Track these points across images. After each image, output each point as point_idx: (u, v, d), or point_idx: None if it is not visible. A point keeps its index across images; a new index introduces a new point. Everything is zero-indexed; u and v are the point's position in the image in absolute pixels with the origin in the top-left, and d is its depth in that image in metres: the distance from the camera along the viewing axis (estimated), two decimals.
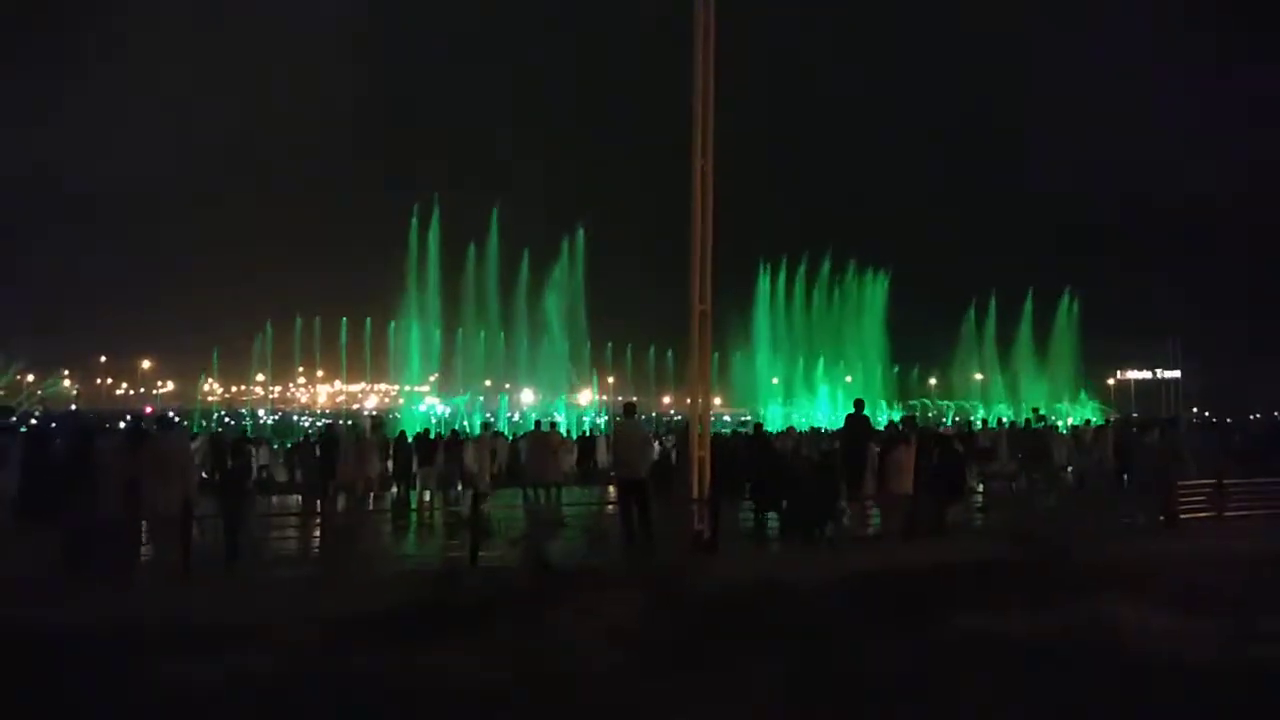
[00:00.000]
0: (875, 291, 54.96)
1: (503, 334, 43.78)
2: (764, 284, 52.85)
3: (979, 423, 35.01)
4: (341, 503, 17.17)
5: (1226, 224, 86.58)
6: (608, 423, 38.83)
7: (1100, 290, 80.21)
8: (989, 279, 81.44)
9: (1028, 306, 57.97)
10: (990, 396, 57.19)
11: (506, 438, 25.00)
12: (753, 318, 52.97)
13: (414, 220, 40.43)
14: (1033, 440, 20.93)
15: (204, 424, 41.15)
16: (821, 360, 53.92)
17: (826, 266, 53.87)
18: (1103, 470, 19.24)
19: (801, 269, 53.35)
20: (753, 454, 15.09)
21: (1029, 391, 55.16)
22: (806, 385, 53.54)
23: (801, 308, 53.90)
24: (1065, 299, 57.82)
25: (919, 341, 61.57)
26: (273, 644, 7.11)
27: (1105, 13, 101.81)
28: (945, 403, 57.64)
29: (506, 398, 46.59)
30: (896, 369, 56.97)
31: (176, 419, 24.57)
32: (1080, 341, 58.79)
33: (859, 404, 17.22)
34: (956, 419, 45.08)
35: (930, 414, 50.11)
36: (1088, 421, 32.10)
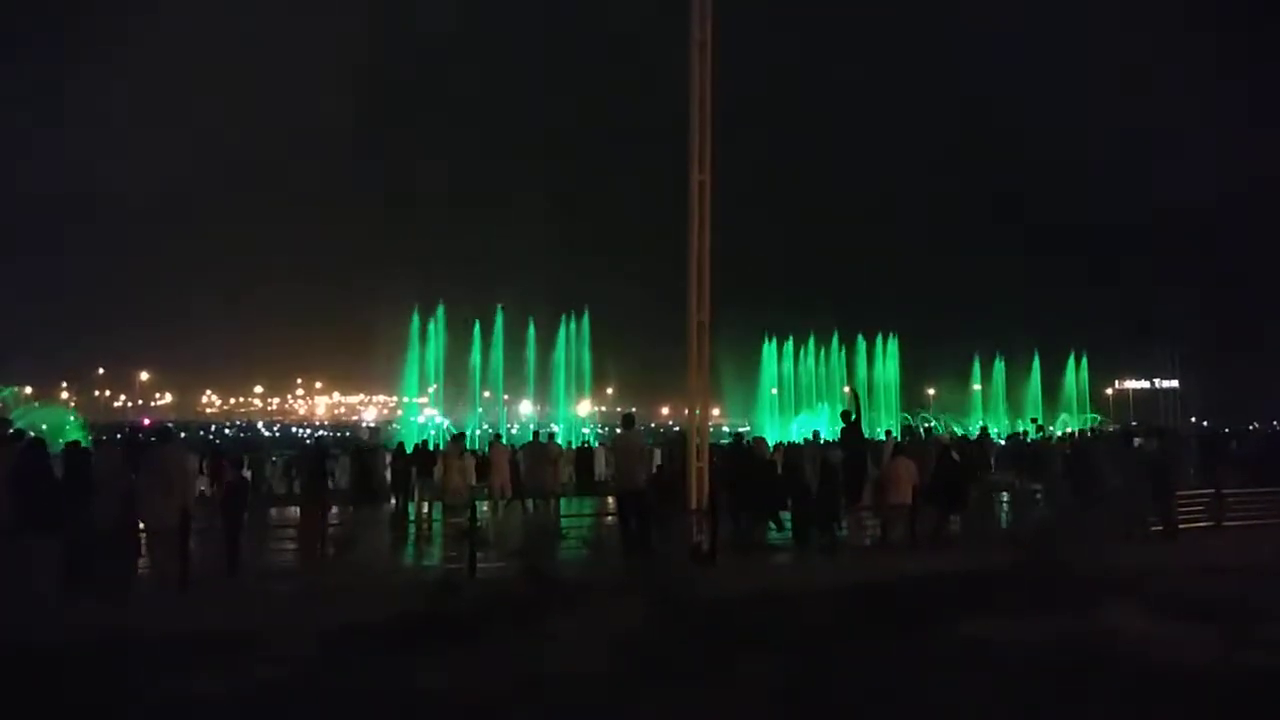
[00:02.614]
0: (889, 355, 54.95)
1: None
2: (768, 351, 52.95)
3: (976, 432, 35.04)
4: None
5: (1225, 232, 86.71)
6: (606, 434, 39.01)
7: (1098, 300, 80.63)
8: (985, 285, 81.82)
9: (1035, 373, 58.56)
10: (989, 409, 57.31)
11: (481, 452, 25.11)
12: (753, 333, 53.05)
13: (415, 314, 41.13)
14: (1032, 450, 20.96)
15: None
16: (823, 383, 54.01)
17: (834, 339, 54.00)
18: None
19: (810, 341, 53.48)
20: (734, 464, 14.98)
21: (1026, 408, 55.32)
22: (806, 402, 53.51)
23: (808, 364, 53.91)
24: (1071, 359, 58.69)
25: (917, 353, 61.72)
26: (271, 655, 7.10)
27: (1105, 14, 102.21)
28: (937, 416, 57.65)
29: (505, 410, 46.63)
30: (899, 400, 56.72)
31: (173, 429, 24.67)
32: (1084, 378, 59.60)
33: (845, 415, 17.23)
34: (954, 430, 45.12)
35: (928, 425, 50.07)
36: (1082, 431, 32.16)
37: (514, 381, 45.91)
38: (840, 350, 53.55)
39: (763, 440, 17.70)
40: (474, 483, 19.56)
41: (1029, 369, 58.89)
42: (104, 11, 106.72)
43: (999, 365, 58.76)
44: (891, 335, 54.29)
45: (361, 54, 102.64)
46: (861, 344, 54.03)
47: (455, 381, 43.49)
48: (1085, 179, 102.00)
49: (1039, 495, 18.54)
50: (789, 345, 53.07)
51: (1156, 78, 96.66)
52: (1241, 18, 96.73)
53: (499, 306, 43.30)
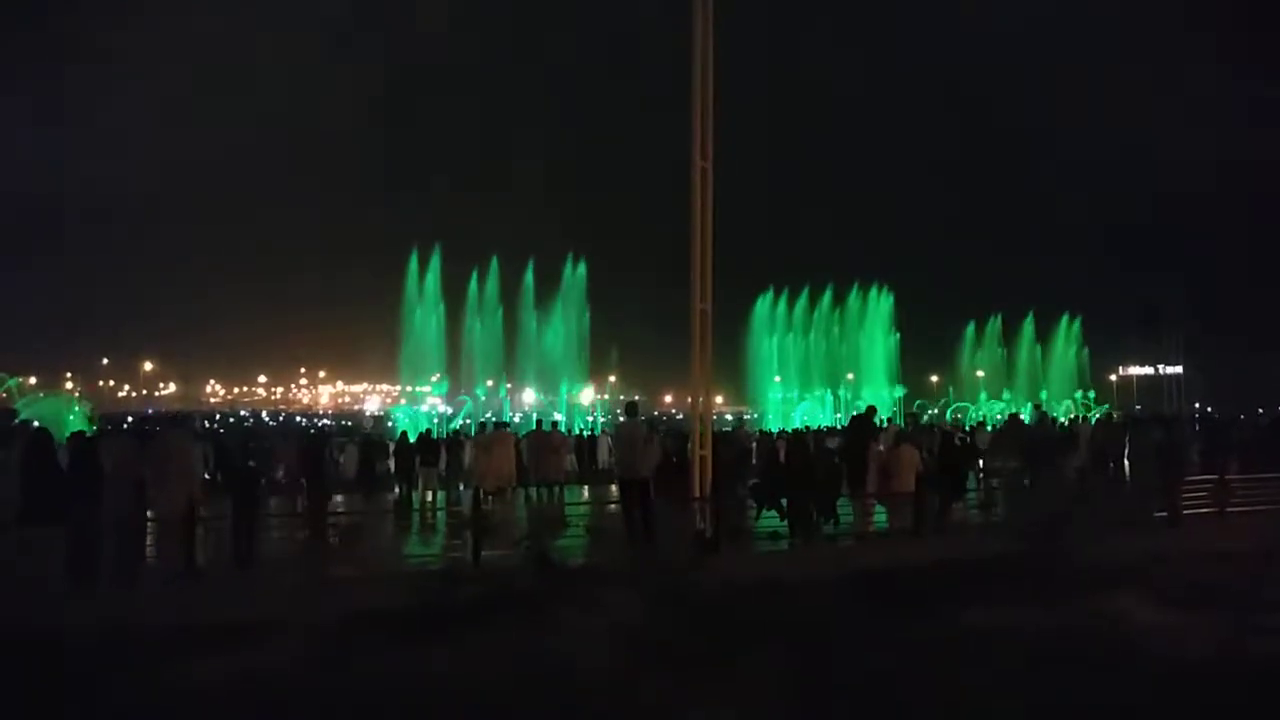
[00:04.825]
0: (879, 309, 54.63)
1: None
2: (764, 304, 52.79)
3: (977, 419, 35.02)
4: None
5: (1229, 219, 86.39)
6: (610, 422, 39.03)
7: (1102, 287, 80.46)
8: (992, 277, 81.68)
9: (1028, 326, 58.76)
10: (992, 394, 57.36)
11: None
12: (755, 317, 52.99)
13: (414, 257, 40.98)
14: (1034, 436, 20.93)
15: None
16: (823, 363, 53.97)
17: (829, 292, 53.83)
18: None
19: (805, 293, 53.27)
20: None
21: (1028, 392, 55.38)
22: (808, 388, 53.44)
23: (804, 322, 53.78)
24: (1065, 320, 58.87)
25: (921, 340, 61.71)
26: (276, 644, 7.12)
27: (1105, 13, 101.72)
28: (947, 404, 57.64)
29: (509, 398, 46.64)
30: (901, 388, 56.39)
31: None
32: (1079, 349, 59.75)
33: (872, 410, 17.21)
34: (957, 416, 45.14)
35: (932, 412, 50.06)
36: (1084, 418, 32.15)
37: (515, 367, 46.05)
38: (835, 312, 53.59)
39: (742, 428, 17.69)
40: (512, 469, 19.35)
41: (1028, 344, 59.22)
42: (105, 12, 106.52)
43: (993, 328, 58.98)
44: (886, 289, 54.24)
45: (363, 45, 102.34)
46: (855, 302, 53.94)
47: (456, 369, 43.63)
48: (1091, 164, 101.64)
49: (1042, 481, 18.52)
50: (783, 304, 53.02)
51: (1157, 75, 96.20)
52: (1242, 17, 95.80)
53: (494, 257, 43.31)
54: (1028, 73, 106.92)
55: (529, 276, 44.36)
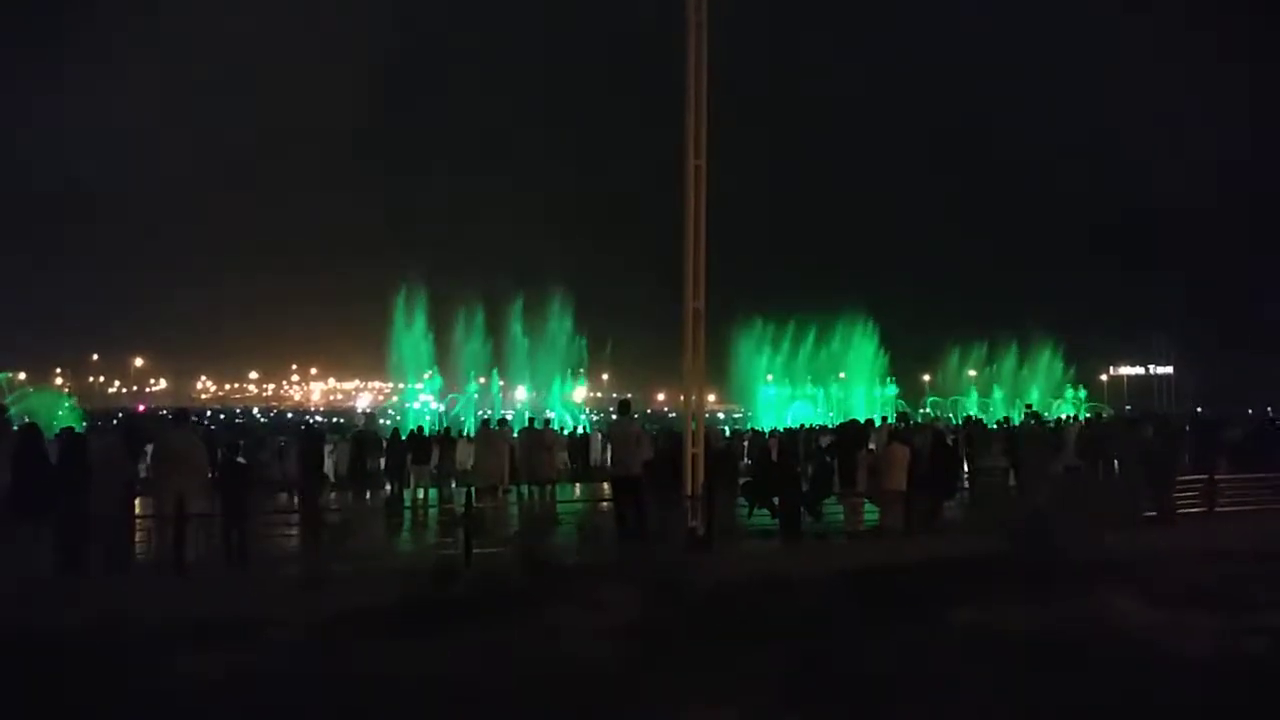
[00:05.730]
0: (864, 349, 55.47)
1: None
2: (751, 336, 53.26)
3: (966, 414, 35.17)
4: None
5: (1220, 221, 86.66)
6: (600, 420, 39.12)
7: (1093, 285, 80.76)
8: (988, 273, 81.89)
9: (1010, 357, 60.07)
10: (983, 393, 57.76)
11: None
12: (747, 318, 53.20)
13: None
14: (1026, 435, 20.97)
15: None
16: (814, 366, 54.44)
17: (814, 331, 54.62)
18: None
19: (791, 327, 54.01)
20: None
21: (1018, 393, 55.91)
22: (800, 388, 53.71)
23: (791, 349, 54.40)
24: (1048, 351, 60.10)
25: (911, 341, 62.04)
26: (267, 641, 7.10)
27: (1104, 12, 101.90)
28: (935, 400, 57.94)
29: (500, 396, 46.64)
30: (893, 382, 56.72)
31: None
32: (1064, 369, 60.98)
33: (868, 421, 17.25)
34: (948, 415, 45.30)
35: (924, 412, 50.22)
36: (1074, 416, 32.33)
37: (506, 366, 46.29)
38: (821, 348, 54.31)
39: (713, 428, 17.66)
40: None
41: (1024, 354, 60.03)
42: (106, 11, 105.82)
43: (977, 355, 60.08)
44: (869, 320, 54.92)
45: (361, 48, 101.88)
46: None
47: (447, 367, 43.87)
48: (1082, 176, 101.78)
49: (1033, 480, 18.56)
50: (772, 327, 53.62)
51: (1156, 75, 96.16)
52: (1243, 16, 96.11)
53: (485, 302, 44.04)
54: (1028, 73, 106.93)
55: (518, 315, 44.93)
